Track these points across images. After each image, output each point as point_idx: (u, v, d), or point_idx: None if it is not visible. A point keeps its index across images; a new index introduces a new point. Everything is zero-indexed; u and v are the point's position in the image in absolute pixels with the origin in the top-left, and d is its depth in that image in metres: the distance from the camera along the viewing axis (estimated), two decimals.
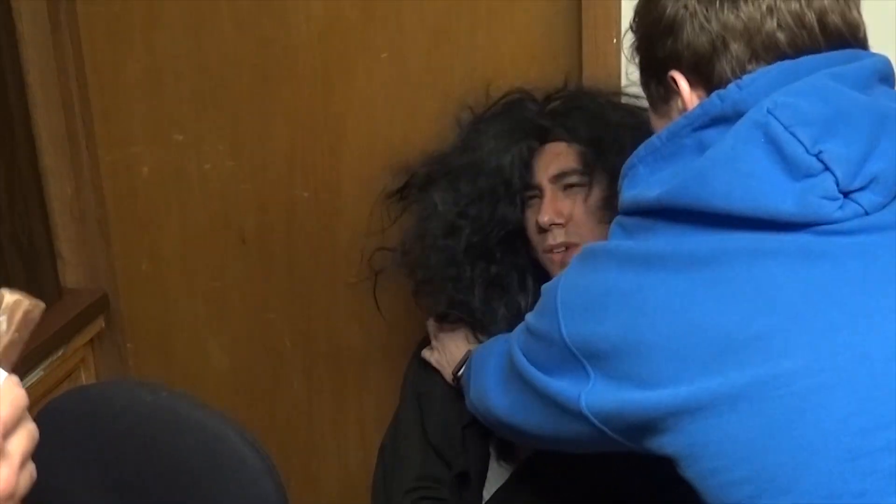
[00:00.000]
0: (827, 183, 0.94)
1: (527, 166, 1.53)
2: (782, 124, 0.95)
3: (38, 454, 0.80)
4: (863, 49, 1.06)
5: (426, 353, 1.62)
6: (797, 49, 1.02)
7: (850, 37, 1.04)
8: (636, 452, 1.07)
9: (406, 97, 1.86)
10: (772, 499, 0.92)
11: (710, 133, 1.01)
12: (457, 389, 1.54)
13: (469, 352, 1.51)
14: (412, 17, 1.81)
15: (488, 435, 1.52)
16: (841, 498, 0.89)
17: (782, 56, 1.02)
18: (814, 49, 1.02)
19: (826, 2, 1.03)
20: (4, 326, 0.83)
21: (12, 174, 1.79)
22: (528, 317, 1.17)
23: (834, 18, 1.03)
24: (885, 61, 1.06)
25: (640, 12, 1.14)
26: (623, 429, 1.04)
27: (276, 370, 2.10)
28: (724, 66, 1.03)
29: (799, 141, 0.94)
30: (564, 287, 1.10)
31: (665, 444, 1.00)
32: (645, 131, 1.29)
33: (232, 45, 1.89)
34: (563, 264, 1.44)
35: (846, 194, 0.94)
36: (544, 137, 1.56)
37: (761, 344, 0.93)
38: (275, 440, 1.97)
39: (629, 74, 1.64)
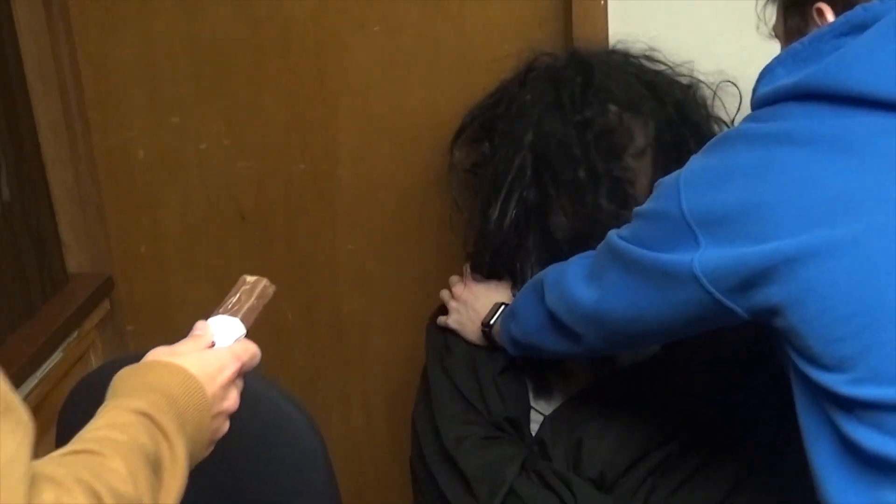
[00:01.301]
0: None
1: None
2: None
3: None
4: None
5: (442, 320, 1.68)
6: None
7: None
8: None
9: (399, 68, 1.92)
10: (875, 332, 1.06)
11: (848, 39, 1.13)
12: (480, 346, 1.60)
13: (497, 304, 1.59)
14: None
15: (524, 378, 1.59)
16: None
17: None
18: None
19: None
20: (247, 295, 1.15)
21: (21, 163, 1.82)
22: (639, 207, 1.27)
23: None
24: None
25: None
26: (732, 286, 1.14)
27: (280, 344, 2.14)
28: None
29: None
30: (690, 168, 1.21)
31: (773, 293, 1.11)
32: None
33: (225, 24, 1.93)
34: None
35: None
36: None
37: (880, 200, 1.07)
38: None
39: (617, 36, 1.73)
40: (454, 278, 1.72)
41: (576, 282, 1.35)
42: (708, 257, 1.15)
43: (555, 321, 1.40)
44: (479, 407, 1.57)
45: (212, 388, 1.01)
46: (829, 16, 1.19)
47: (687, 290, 1.18)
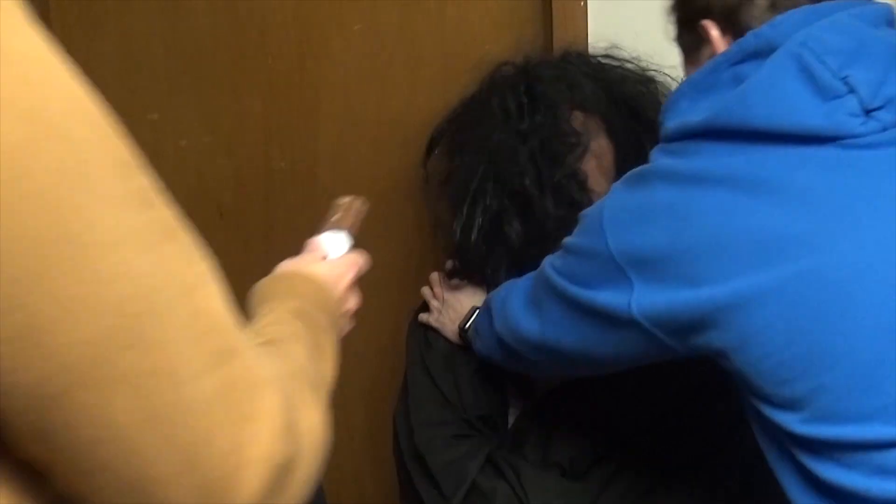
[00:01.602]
0: (852, 102, 1.09)
1: None
2: (814, 54, 1.10)
3: None
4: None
5: (423, 317, 1.69)
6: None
7: None
8: (655, 380, 1.17)
9: (379, 67, 1.92)
10: (821, 373, 1.06)
11: (745, 67, 1.14)
12: (459, 345, 1.62)
13: (474, 307, 1.59)
14: None
15: (502, 376, 1.60)
16: (883, 364, 1.05)
17: (799, 4, 1.16)
18: None
19: None
20: (345, 213, 1.29)
21: None
22: (567, 240, 1.27)
23: None
24: (889, 8, 1.21)
25: None
26: (674, 329, 1.14)
27: None
28: (750, 14, 1.18)
29: (828, 67, 1.09)
30: (611, 206, 1.21)
31: (713, 338, 1.11)
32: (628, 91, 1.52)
33: (205, 20, 1.93)
34: None
35: (868, 112, 1.09)
36: None
37: (806, 240, 1.07)
38: None
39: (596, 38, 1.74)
40: (435, 275, 1.72)
41: (518, 310, 1.36)
42: (644, 299, 1.14)
43: (508, 347, 1.42)
44: (455, 403, 1.59)
45: (337, 291, 1.13)
46: (714, 31, 1.20)
47: (630, 330, 1.17)
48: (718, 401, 1.45)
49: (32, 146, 0.57)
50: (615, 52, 1.69)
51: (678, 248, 1.12)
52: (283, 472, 0.67)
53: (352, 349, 2.10)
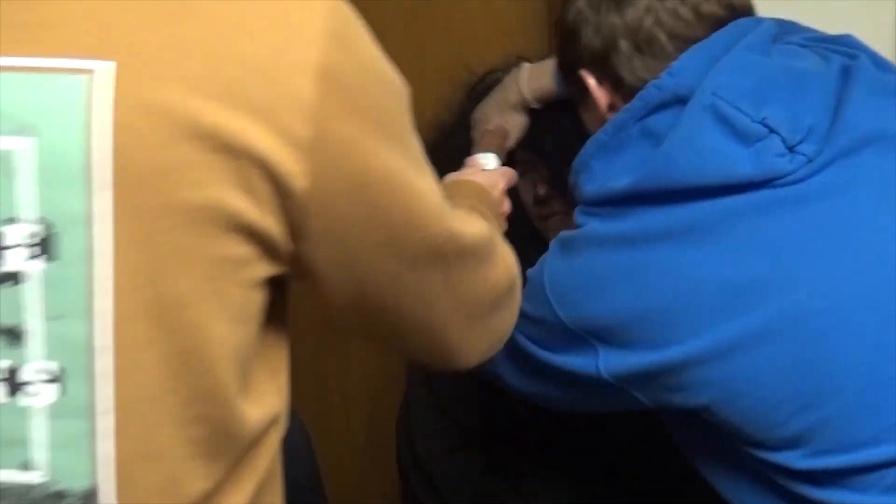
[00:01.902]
0: (775, 143, 1.08)
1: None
2: (727, 102, 1.09)
3: None
4: (747, 16, 1.21)
5: None
6: (681, 41, 1.16)
7: (729, 16, 1.18)
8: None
9: None
10: (818, 407, 1.06)
11: (654, 119, 1.13)
12: None
13: None
14: None
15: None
16: (878, 386, 1.05)
17: (669, 51, 1.16)
18: (696, 37, 1.16)
19: None
20: (490, 136, 1.49)
21: None
22: (522, 306, 1.21)
23: (708, 7, 1.17)
24: (770, 22, 1.20)
25: (553, 24, 1.30)
26: (648, 388, 1.13)
27: None
28: (617, 60, 1.18)
29: (744, 113, 1.09)
30: (550, 275, 1.19)
31: (692, 395, 1.10)
32: None
33: None
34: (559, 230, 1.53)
35: (791, 149, 1.08)
36: None
37: (764, 284, 1.06)
38: None
39: None
40: None
41: (506, 366, 1.32)
42: (613, 362, 1.13)
43: (497, 381, 1.39)
44: (457, 412, 1.60)
45: (495, 195, 1.27)
46: (591, 80, 1.20)
47: (606, 389, 1.16)
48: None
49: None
50: None
51: (636, 312, 1.11)
52: (514, 287, 1.04)
53: (353, 350, 2.12)
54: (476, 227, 0.95)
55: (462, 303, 0.94)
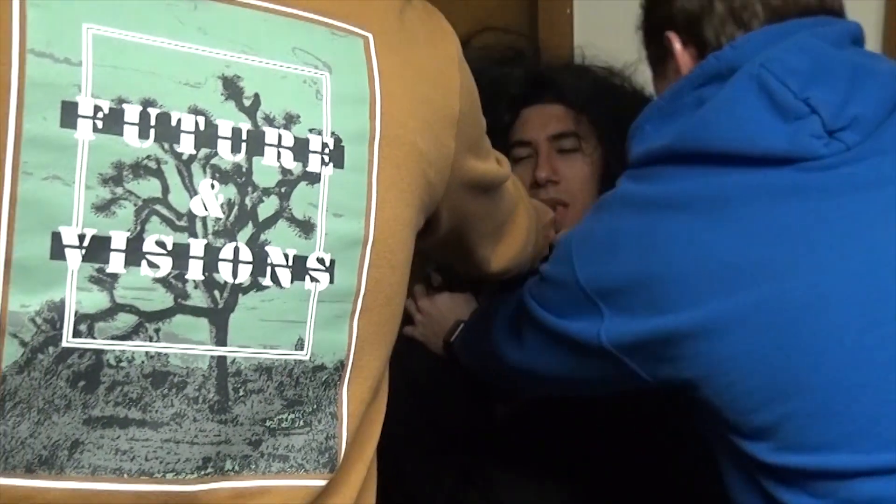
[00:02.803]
0: (814, 124, 1.05)
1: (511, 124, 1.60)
2: (774, 75, 1.07)
3: None
4: (837, 18, 1.19)
5: (408, 330, 1.66)
6: (773, 14, 1.14)
7: (818, 8, 1.17)
8: (634, 401, 1.14)
9: None
10: (786, 402, 1.04)
11: (708, 90, 1.12)
12: (443, 358, 1.59)
13: (458, 321, 1.57)
14: None
15: (488, 391, 1.58)
16: (847, 391, 1.02)
17: (760, 19, 1.14)
18: (787, 16, 1.14)
19: None
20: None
21: None
22: (543, 267, 1.25)
23: None
24: (857, 26, 1.18)
25: None
26: (643, 358, 1.12)
27: None
28: (710, 24, 1.16)
29: (789, 89, 1.06)
30: (578, 235, 1.19)
31: (681, 368, 1.09)
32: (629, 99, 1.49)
33: None
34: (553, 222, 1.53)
35: (831, 133, 1.06)
36: (538, 95, 1.61)
37: (765, 267, 1.04)
38: None
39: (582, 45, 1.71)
40: (418, 288, 1.70)
41: (500, 333, 1.35)
42: (613, 329, 1.12)
43: (491, 370, 1.41)
44: (437, 417, 1.58)
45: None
46: (677, 44, 1.19)
47: (602, 359, 1.15)
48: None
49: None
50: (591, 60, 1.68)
51: (643, 276, 1.10)
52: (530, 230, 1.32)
53: None
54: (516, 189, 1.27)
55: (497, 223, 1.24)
